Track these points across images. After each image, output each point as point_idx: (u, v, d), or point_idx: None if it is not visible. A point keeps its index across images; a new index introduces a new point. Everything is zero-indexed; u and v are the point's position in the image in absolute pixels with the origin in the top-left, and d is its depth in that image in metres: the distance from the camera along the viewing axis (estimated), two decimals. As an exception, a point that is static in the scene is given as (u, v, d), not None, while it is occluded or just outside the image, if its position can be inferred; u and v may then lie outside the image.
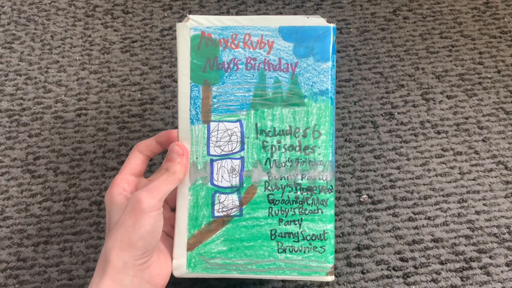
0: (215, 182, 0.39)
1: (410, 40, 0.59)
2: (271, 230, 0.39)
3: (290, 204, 0.39)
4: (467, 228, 0.48)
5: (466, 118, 0.54)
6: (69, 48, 0.59)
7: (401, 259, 0.47)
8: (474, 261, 0.47)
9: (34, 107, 0.55)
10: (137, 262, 0.35)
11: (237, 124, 0.39)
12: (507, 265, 0.47)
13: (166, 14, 0.61)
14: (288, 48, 0.39)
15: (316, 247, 0.39)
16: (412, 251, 0.47)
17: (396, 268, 0.47)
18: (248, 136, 0.39)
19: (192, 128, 0.39)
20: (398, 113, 0.55)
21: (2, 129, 0.54)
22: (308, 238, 0.39)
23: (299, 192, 0.39)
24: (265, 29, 0.39)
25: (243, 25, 0.39)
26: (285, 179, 0.39)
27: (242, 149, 0.39)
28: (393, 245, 0.48)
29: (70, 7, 0.62)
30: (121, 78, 0.57)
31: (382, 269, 0.47)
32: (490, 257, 0.47)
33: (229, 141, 0.39)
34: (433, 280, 0.46)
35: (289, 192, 0.39)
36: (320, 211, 0.39)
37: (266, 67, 0.39)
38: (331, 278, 0.39)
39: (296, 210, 0.39)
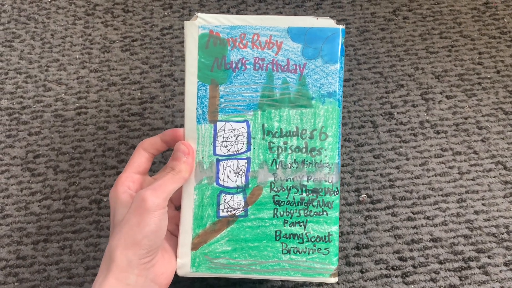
0: (220, 182, 0.39)
1: (410, 40, 0.59)
2: (276, 231, 0.39)
3: (296, 206, 0.39)
4: (466, 228, 0.49)
5: (465, 118, 0.54)
6: (69, 46, 0.59)
7: (400, 259, 0.47)
8: (472, 261, 0.47)
9: (34, 106, 0.55)
10: (141, 261, 0.35)
11: (244, 124, 0.39)
12: (505, 264, 0.47)
13: (166, 13, 0.61)
14: (296, 49, 0.39)
15: (321, 249, 0.39)
16: (411, 250, 0.47)
17: (395, 267, 0.47)
18: (255, 136, 0.39)
19: (199, 127, 0.39)
20: (398, 113, 0.55)
21: (2, 127, 0.54)
22: (312, 239, 0.39)
23: (304, 194, 0.39)
24: (274, 29, 0.39)
25: (251, 25, 0.39)
26: (291, 180, 0.39)
27: (248, 149, 0.39)
28: (392, 245, 0.48)
29: (70, 6, 0.62)
30: (121, 77, 0.57)
31: (381, 269, 0.47)
32: (489, 257, 0.47)
33: (235, 141, 0.39)
34: (432, 280, 0.46)
35: (295, 193, 0.39)
36: (325, 213, 0.39)
37: (274, 68, 0.39)
38: (334, 279, 0.39)
39: (301, 212, 0.39)
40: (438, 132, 0.53)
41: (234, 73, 0.39)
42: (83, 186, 0.51)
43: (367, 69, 0.57)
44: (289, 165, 0.39)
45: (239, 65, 0.39)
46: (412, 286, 0.46)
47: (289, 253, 0.39)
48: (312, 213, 0.39)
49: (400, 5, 0.62)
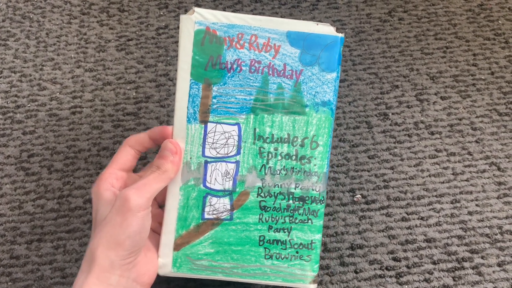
0: (207, 184, 0.39)
1: (405, 41, 0.59)
2: (260, 236, 0.39)
3: (281, 212, 0.39)
4: (460, 228, 0.49)
5: (460, 119, 0.54)
6: (64, 45, 0.59)
7: (394, 259, 0.47)
8: (466, 261, 0.47)
9: (29, 105, 0.55)
10: (124, 262, 0.34)
11: (235, 127, 0.38)
12: (498, 265, 0.47)
13: (162, 13, 0.61)
14: (294, 54, 0.38)
15: (303, 256, 0.39)
16: (405, 251, 0.48)
17: (389, 267, 0.47)
18: (246, 140, 0.38)
19: (188, 126, 0.38)
20: (392, 113, 0.55)
21: (-4, 126, 0.54)
22: (295, 246, 0.39)
23: (291, 201, 0.39)
24: (272, 32, 0.38)
25: (250, 25, 0.38)
26: (278, 187, 0.39)
27: (238, 153, 0.39)
28: (386, 245, 0.48)
29: (65, 5, 0.62)
30: (116, 76, 0.57)
31: (375, 269, 0.47)
32: (482, 257, 0.47)
33: (225, 144, 0.38)
34: (426, 280, 0.46)
35: (282, 200, 0.39)
36: (310, 221, 0.39)
37: (270, 72, 0.38)
38: (313, 286, 0.39)
39: (287, 219, 0.39)
40: (432, 133, 0.54)
41: (229, 74, 0.38)
42: (77, 185, 0.51)
43: (362, 70, 0.57)
44: (278, 171, 0.39)
45: (235, 66, 0.38)
46: (406, 286, 0.46)
47: (272, 259, 0.39)
48: (297, 221, 0.39)
49: (395, 6, 0.62)
